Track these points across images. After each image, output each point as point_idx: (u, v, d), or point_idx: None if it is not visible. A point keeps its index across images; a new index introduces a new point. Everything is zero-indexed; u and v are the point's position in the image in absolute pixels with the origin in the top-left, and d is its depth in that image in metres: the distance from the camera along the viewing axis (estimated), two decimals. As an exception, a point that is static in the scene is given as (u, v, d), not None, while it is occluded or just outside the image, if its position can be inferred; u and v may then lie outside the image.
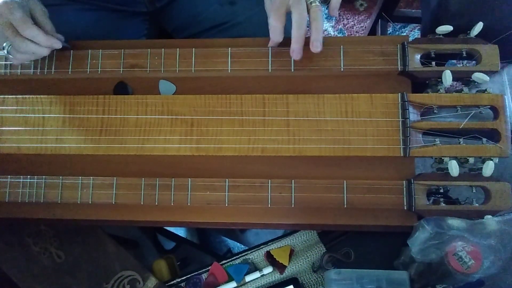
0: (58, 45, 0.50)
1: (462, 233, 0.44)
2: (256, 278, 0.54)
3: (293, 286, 0.53)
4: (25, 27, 0.46)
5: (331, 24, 1.34)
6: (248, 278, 0.54)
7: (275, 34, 0.48)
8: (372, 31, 1.16)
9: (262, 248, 0.56)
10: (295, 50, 0.47)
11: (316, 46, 0.46)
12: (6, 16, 0.46)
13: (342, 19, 1.34)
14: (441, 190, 0.47)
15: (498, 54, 0.48)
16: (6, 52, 0.50)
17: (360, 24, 1.33)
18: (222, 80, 0.53)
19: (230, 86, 0.53)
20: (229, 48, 0.52)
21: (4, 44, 0.50)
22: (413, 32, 1.30)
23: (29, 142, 0.52)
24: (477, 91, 0.48)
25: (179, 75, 0.53)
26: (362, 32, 1.31)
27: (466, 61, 0.49)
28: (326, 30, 1.34)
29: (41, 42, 0.48)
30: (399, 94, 0.48)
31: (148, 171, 0.51)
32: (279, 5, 0.46)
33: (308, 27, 0.47)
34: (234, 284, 0.54)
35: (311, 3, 0.46)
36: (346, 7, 1.34)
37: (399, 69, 0.49)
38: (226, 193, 0.49)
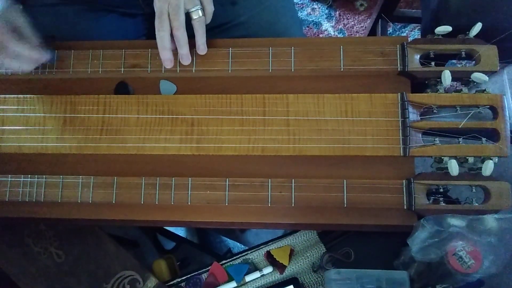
0: (44, 59, 0.49)
1: (461, 231, 0.44)
2: (256, 278, 0.54)
3: (293, 286, 0.53)
4: (9, 44, 0.45)
5: (331, 24, 1.34)
6: (248, 278, 0.54)
7: (160, 42, 0.48)
8: (372, 31, 1.16)
9: (262, 248, 0.56)
10: (181, 55, 0.50)
11: (202, 50, 0.51)
12: None
13: (342, 19, 1.34)
14: (441, 190, 0.47)
15: (497, 54, 0.48)
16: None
17: (360, 24, 1.33)
18: (222, 80, 0.53)
19: (231, 86, 0.53)
20: (230, 48, 0.52)
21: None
22: (413, 32, 1.30)
23: (29, 142, 0.52)
24: (476, 91, 0.48)
25: (179, 75, 0.53)
26: (362, 32, 1.31)
27: (465, 61, 0.49)
28: (326, 30, 1.34)
29: (26, 58, 0.47)
30: (399, 94, 0.48)
31: (148, 170, 0.51)
32: (159, 14, 0.48)
33: None
34: (234, 284, 0.54)
35: (191, 12, 0.48)
36: (346, 7, 1.35)
37: (399, 69, 0.50)
38: (226, 193, 0.49)
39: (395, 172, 0.49)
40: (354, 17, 1.34)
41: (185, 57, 0.50)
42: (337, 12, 1.35)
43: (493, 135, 0.47)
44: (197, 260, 0.88)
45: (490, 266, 0.43)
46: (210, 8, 0.50)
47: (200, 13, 0.49)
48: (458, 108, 0.47)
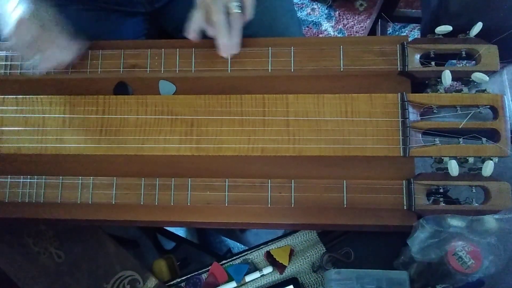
0: (84, 48, 0.51)
1: (461, 231, 0.44)
2: (256, 278, 0.54)
3: (293, 286, 0.53)
4: (44, 45, 0.47)
5: (330, 24, 1.34)
6: (248, 278, 0.54)
7: (190, 26, 0.48)
8: (372, 31, 1.16)
9: (262, 248, 0.56)
10: (220, 46, 0.48)
11: (235, 49, 0.49)
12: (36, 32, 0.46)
13: (342, 19, 1.34)
14: (441, 190, 0.47)
15: (498, 54, 0.48)
16: (32, 64, 0.50)
17: (360, 24, 1.33)
18: (222, 80, 0.53)
19: (230, 86, 0.53)
20: (229, 48, 0.52)
21: (36, 57, 0.49)
22: (413, 32, 1.30)
23: (29, 142, 0.52)
24: (476, 91, 0.48)
25: (179, 75, 0.53)
26: (362, 32, 1.31)
27: (465, 61, 0.49)
28: (326, 30, 1.34)
29: (59, 58, 0.49)
30: (399, 94, 0.48)
31: (148, 171, 0.51)
32: (199, 4, 0.47)
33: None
34: (234, 284, 0.54)
35: (230, 7, 0.47)
36: (346, 7, 1.35)
37: (399, 69, 0.50)
38: (226, 193, 0.49)
39: (395, 172, 0.49)
40: (354, 17, 1.34)
41: (224, 48, 0.48)
42: (337, 12, 1.34)
43: (493, 135, 0.47)
44: (197, 260, 0.88)
45: (490, 266, 0.43)
46: (249, 4, 0.48)
47: (238, 9, 0.47)
48: (458, 108, 0.47)
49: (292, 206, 0.49)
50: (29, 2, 0.47)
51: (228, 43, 0.48)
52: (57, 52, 0.49)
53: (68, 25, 0.51)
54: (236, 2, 0.47)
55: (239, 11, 0.47)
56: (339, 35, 1.32)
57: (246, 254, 0.56)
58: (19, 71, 0.54)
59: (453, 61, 0.51)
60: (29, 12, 0.46)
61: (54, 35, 0.48)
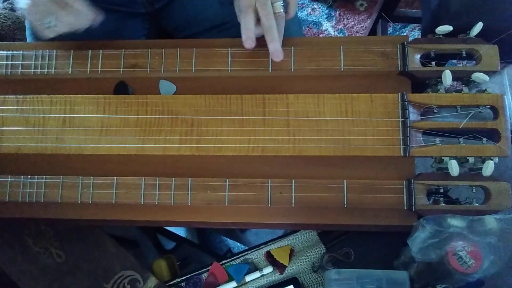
0: (98, 19, 0.49)
1: (461, 231, 0.44)
2: (256, 278, 0.54)
3: (293, 286, 0.53)
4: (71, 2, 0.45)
5: (331, 24, 1.34)
6: (248, 278, 0.54)
7: (244, 25, 0.46)
8: (372, 31, 1.16)
9: (262, 248, 0.56)
10: (274, 52, 0.47)
11: (277, 56, 0.47)
12: None
13: (342, 19, 1.34)
14: (441, 190, 0.47)
15: (498, 54, 0.48)
16: (50, 26, 0.48)
17: (360, 24, 1.33)
18: (222, 80, 0.53)
19: (230, 86, 0.53)
20: (230, 48, 0.52)
21: (50, 19, 0.47)
22: (413, 32, 1.30)
23: (29, 142, 0.52)
24: (477, 91, 0.48)
25: (179, 75, 0.53)
26: (362, 32, 1.31)
27: (466, 61, 0.49)
28: (326, 30, 1.34)
29: (83, 15, 0.47)
30: (399, 94, 0.48)
31: (148, 171, 0.51)
32: (246, 6, 0.46)
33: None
34: (234, 284, 0.54)
35: (275, 7, 0.46)
36: (346, 7, 1.35)
37: (399, 69, 0.50)
38: (226, 193, 0.49)
39: (395, 172, 0.49)
40: (354, 17, 1.34)
41: (278, 52, 0.47)
42: (337, 12, 1.35)
43: (493, 135, 0.47)
44: (197, 260, 0.88)
45: (490, 266, 0.43)
46: (294, 3, 0.48)
47: (283, 8, 0.47)
48: (458, 108, 0.47)
49: (292, 206, 0.49)
50: None
51: (280, 48, 0.47)
52: (73, 16, 0.47)
53: None
54: (281, 1, 0.46)
55: (284, 11, 0.47)
56: (340, 35, 1.33)
57: (246, 254, 0.56)
58: (19, 71, 0.55)
59: (453, 61, 0.51)
60: None
61: None
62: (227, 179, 0.49)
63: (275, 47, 0.47)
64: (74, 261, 0.57)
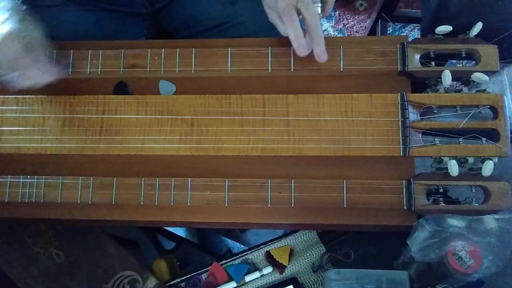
0: (57, 77, 0.49)
1: (461, 231, 0.44)
2: (256, 278, 0.54)
3: (293, 286, 0.53)
4: (25, 66, 0.45)
5: (331, 24, 1.34)
6: (248, 278, 0.54)
7: (293, 32, 0.44)
8: (372, 31, 1.16)
9: (262, 248, 0.56)
10: (320, 54, 0.46)
11: (323, 58, 0.46)
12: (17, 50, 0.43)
13: (342, 19, 1.34)
14: (441, 190, 0.47)
15: (498, 54, 0.48)
16: (9, 80, 0.48)
17: (360, 24, 1.33)
18: (222, 80, 0.53)
19: (230, 86, 0.53)
20: (229, 48, 0.52)
21: (13, 75, 0.47)
22: (413, 32, 1.30)
23: (29, 142, 0.52)
24: (476, 91, 0.48)
25: (179, 75, 0.53)
26: (362, 32, 1.31)
27: (465, 61, 0.49)
28: (326, 30, 1.34)
29: (40, 78, 0.47)
30: (399, 94, 0.48)
31: (148, 171, 0.51)
32: (288, 9, 0.44)
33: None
34: (234, 284, 0.54)
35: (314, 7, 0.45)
36: (346, 7, 1.35)
37: (399, 69, 0.50)
38: (226, 193, 0.49)
39: (395, 172, 0.49)
40: (354, 17, 1.34)
41: (323, 55, 0.46)
42: (337, 12, 1.34)
43: (493, 135, 0.47)
44: (197, 260, 0.88)
45: (490, 266, 0.43)
46: (331, 3, 0.46)
47: (320, 9, 0.46)
48: (458, 108, 0.47)
49: (292, 206, 0.49)
50: (17, 21, 0.44)
51: (325, 49, 0.45)
52: (37, 73, 0.47)
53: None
54: (318, 1, 0.45)
55: (319, 13, 0.46)
56: (339, 35, 1.33)
57: (246, 254, 0.56)
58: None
59: (453, 61, 0.50)
60: (15, 31, 0.44)
61: (37, 57, 0.46)
62: (226, 179, 0.49)
63: (322, 49, 0.45)
64: (74, 261, 0.57)
